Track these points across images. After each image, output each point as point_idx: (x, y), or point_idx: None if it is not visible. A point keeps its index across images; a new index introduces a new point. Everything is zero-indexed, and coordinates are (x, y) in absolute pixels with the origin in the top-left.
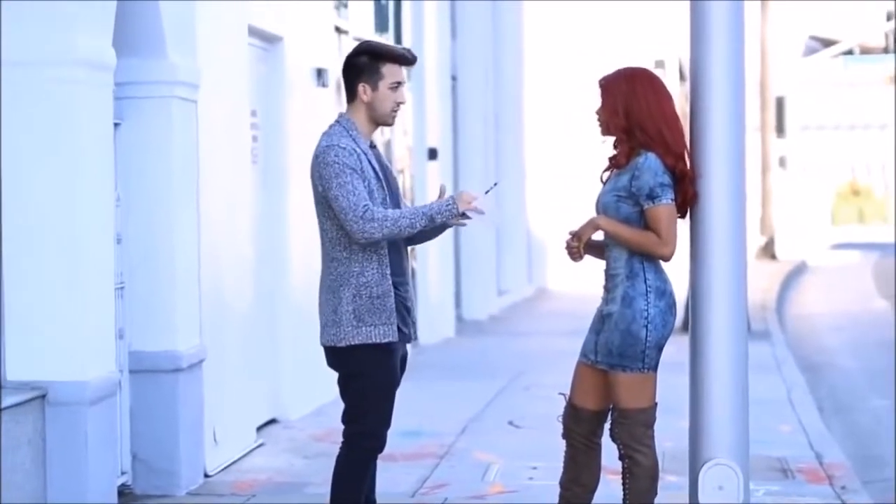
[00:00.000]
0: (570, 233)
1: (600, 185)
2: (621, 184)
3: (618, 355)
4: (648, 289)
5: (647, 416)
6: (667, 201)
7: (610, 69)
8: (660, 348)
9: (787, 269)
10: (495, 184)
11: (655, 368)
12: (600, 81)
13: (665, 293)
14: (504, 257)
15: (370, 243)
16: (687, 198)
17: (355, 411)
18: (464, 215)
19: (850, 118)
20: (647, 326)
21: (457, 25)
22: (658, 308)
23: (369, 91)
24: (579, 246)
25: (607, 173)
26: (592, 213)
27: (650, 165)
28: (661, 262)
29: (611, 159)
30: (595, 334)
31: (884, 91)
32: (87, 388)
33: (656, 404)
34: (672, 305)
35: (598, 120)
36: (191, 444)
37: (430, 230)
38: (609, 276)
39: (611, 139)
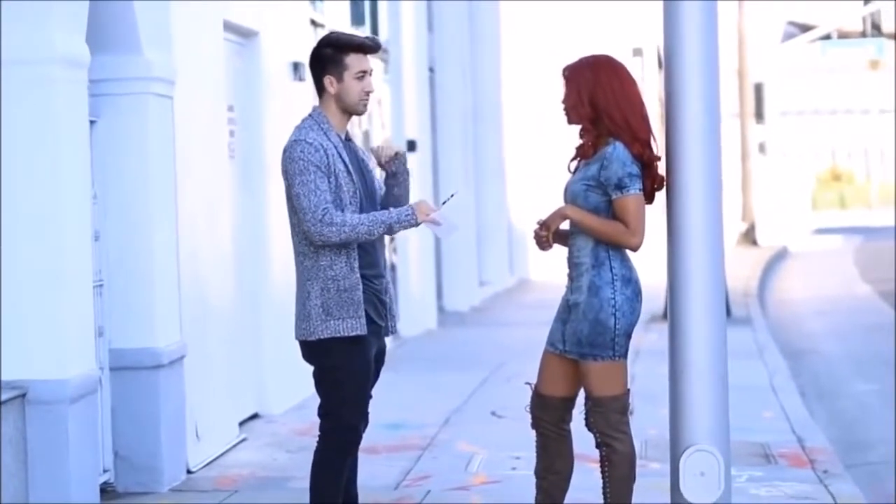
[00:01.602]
0: (539, 222)
1: (568, 174)
2: (590, 173)
3: (588, 344)
4: (615, 277)
5: (620, 403)
6: (635, 191)
7: (573, 58)
8: (628, 335)
9: (768, 254)
10: (452, 195)
11: (625, 355)
12: (563, 70)
13: (631, 281)
14: (485, 248)
15: (325, 245)
16: (655, 183)
17: (330, 404)
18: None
19: (829, 103)
20: (615, 314)
21: (433, 18)
22: (625, 295)
23: (335, 83)
24: (548, 235)
25: (574, 162)
26: (561, 203)
27: (618, 155)
28: (627, 251)
29: (578, 148)
30: (562, 323)
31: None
32: (67, 386)
33: (629, 390)
34: (638, 293)
35: (564, 109)
36: (173, 440)
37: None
38: (573, 264)
39: (576, 127)
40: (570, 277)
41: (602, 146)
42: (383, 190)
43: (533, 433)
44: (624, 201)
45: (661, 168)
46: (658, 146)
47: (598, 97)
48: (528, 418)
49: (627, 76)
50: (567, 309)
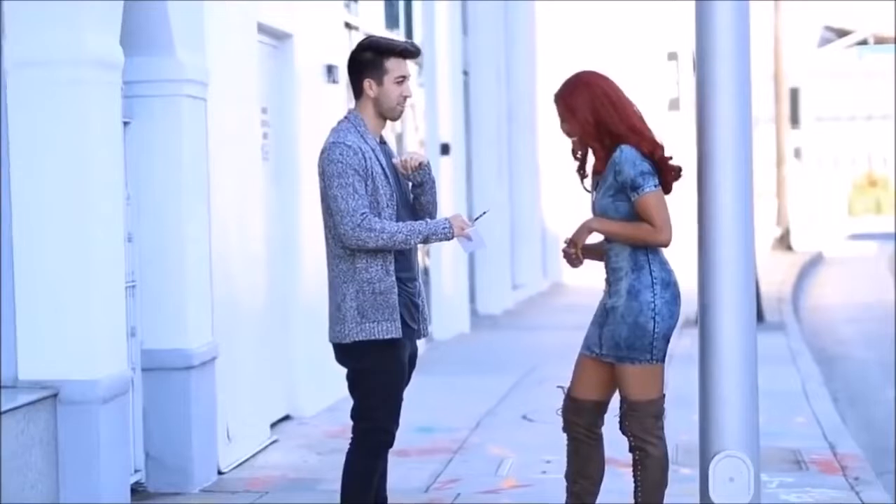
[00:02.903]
0: (566, 241)
1: (586, 193)
2: (608, 182)
3: (626, 348)
4: (654, 280)
5: (656, 408)
6: (650, 188)
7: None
8: (667, 339)
9: (803, 260)
10: (485, 212)
11: (663, 360)
12: (555, 97)
13: (670, 284)
14: (519, 251)
15: (359, 249)
16: (671, 175)
17: (363, 407)
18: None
19: (865, 108)
20: (654, 318)
21: (468, 21)
22: (664, 299)
23: (375, 86)
24: (577, 251)
25: (589, 181)
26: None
27: (627, 157)
28: (665, 254)
29: (581, 166)
30: (599, 327)
31: None
32: (98, 386)
33: (664, 395)
34: (677, 296)
35: (567, 133)
36: (204, 441)
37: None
38: (611, 269)
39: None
40: (608, 282)
41: (611, 156)
42: (412, 197)
43: (564, 437)
44: (644, 201)
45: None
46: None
47: (600, 112)
48: (560, 422)
49: (614, 84)
50: (605, 313)
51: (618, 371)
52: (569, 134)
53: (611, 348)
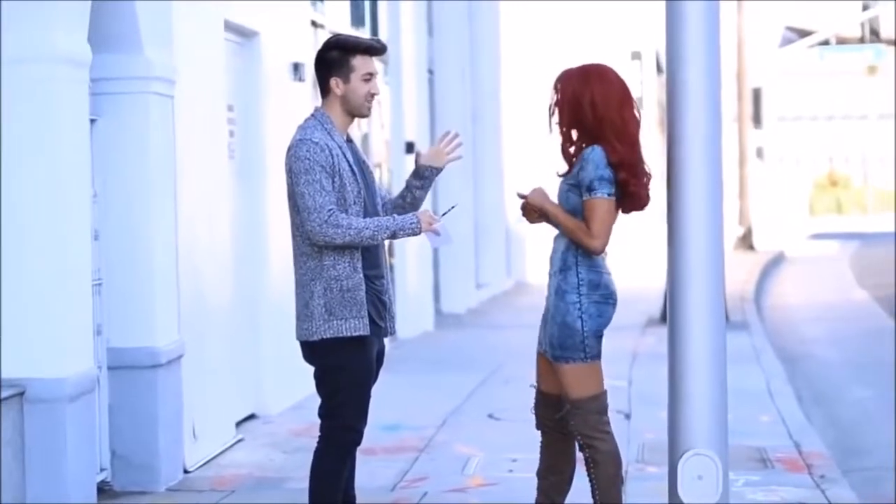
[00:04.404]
0: (520, 195)
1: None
2: (573, 173)
3: (559, 347)
4: (580, 282)
5: (598, 404)
6: (602, 195)
7: (567, 66)
8: (599, 337)
9: (765, 259)
10: (453, 206)
11: (598, 357)
12: (555, 81)
13: (599, 286)
14: (483, 251)
15: (326, 246)
16: (635, 196)
17: (331, 405)
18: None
19: (827, 108)
20: (581, 317)
21: (433, 20)
22: (591, 299)
23: (342, 84)
24: (527, 210)
25: (565, 167)
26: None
27: (593, 158)
28: (599, 258)
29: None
30: (543, 324)
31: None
32: (65, 384)
33: (605, 391)
34: (608, 296)
35: (549, 118)
36: (170, 439)
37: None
38: (549, 269)
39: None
40: (548, 279)
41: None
42: (389, 195)
43: (536, 435)
44: (591, 203)
45: (657, 183)
46: (648, 165)
47: (580, 111)
48: (527, 420)
49: (615, 85)
50: (546, 310)
51: (556, 370)
52: (549, 120)
53: (548, 347)
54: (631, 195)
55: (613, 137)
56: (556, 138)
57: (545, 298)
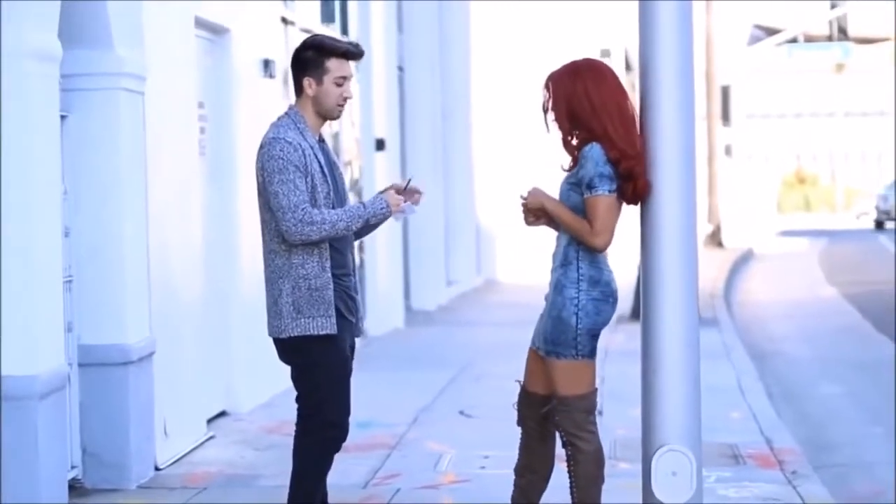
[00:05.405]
0: (521, 196)
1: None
2: (574, 171)
3: (551, 342)
4: (581, 277)
5: (586, 403)
6: (602, 192)
7: (558, 64)
8: (593, 336)
9: (734, 256)
10: (409, 179)
11: (591, 356)
12: (547, 79)
13: (599, 282)
14: (453, 248)
15: (303, 244)
16: (637, 189)
17: (311, 403)
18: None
19: (795, 106)
20: (577, 314)
21: (403, 17)
22: (590, 296)
23: (314, 85)
24: (528, 211)
25: (569, 162)
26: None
27: (593, 155)
28: (601, 254)
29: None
30: (540, 320)
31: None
32: (36, 381)
33: (596, 390)
34: (609, 295)
35: (545, 117)
36: (141, 437)
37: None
38: (552, 265)
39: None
40: (550, 275)
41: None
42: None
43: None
44: (591, 201)
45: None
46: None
47: (574, 106)
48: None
49: (611, 82)
50: (545, 307)
51: (547, 365)
52: (545, 119)
53: (541, 342)
54: (636, 182)
55: (612, 126)
56: (556, 135)
57: (544, 297)
